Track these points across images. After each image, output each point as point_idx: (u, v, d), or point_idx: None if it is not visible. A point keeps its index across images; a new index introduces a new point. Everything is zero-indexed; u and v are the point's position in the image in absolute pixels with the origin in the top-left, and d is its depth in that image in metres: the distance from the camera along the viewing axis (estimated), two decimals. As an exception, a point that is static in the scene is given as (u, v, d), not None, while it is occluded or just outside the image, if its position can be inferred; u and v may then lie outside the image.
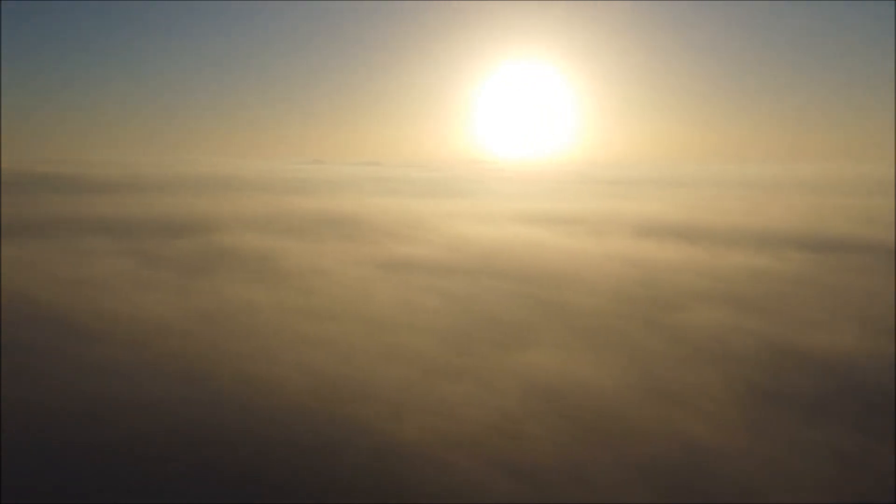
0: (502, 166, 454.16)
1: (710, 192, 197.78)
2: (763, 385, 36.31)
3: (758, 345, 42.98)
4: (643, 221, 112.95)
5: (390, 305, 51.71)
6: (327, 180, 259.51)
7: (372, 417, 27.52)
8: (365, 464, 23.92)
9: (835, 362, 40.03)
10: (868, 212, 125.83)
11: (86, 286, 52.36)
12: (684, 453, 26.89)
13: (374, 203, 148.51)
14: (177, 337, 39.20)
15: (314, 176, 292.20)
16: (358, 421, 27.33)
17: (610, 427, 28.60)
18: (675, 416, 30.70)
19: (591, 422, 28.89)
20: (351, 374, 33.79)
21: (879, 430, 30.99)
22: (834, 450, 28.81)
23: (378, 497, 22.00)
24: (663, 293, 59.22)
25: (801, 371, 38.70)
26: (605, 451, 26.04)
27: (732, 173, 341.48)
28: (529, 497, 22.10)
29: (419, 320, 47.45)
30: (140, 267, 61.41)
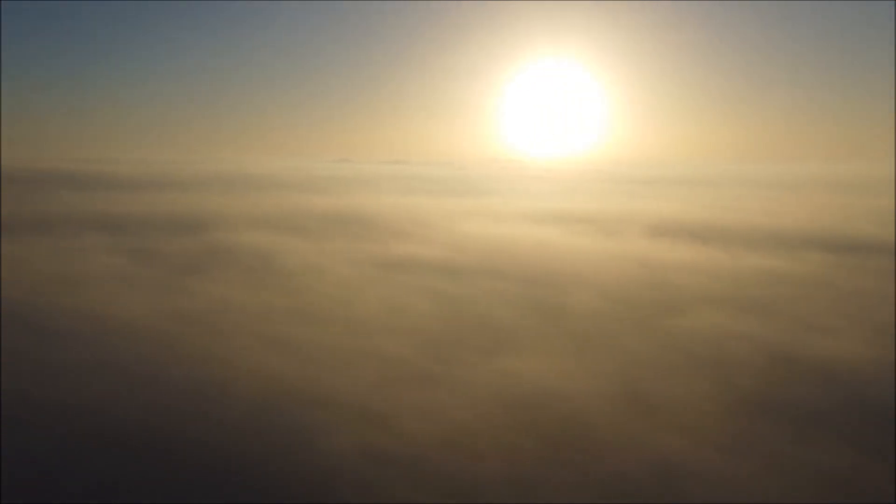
0: (528, 165, 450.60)
1: (734, 192, 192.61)
2: (756, 395, 33.87)
3: (757, 351, 40.41)
4: (660, 221, 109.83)
5: (377, 307, 50.09)
6: (349, 179, 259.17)
7: (310, 427, 25.82)
8: (283, 478, 22.29)
9: (838, 371, 37.36)
10: (892, 212, 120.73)
11: (68, 283, 51.75)
12: (654, 471, 24.75)
13: (389, 202, 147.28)
14: (143, 337, 38.05)
15: (338, 174, 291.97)
16: (296, 430, 25.67)
17: (576, 441, 26.50)
18: (652, 429, 28.51)
19: (556, 435, 26.83)
20: (310, 379, 32.19)
21: (879, 446, 28.49)
22: (824, 468, 26.48)
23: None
24: (668, 296, 56.79)
25: (800, 380, 36.12)
26: (565, 468, 23.99)
27: (759, 172, 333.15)
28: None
29: (404, 323, 45.78)
30: (131, 264, 60.79)
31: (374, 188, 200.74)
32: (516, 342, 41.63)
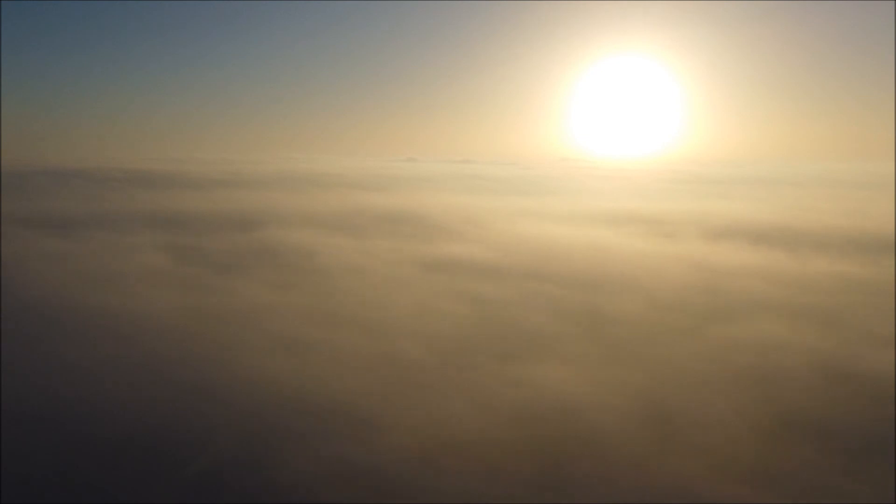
0: (597, 165, 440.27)
1: (815, 192, 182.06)
2: (802, 417, 30.56)
3: (810, 365, 36.77)
4: (726, 223, 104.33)
5: (409, 309, 48.63)
6: (413, 177, 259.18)
7: (298, 436, 24.44)
8: (250, 486, 20.99)
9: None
10: None
11: (103, 280, 52.47)
12: (665, 501, 22.19)
13: (446, 201, 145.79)
14: (157, 336, 37.82)
15: (402, 173, 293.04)
16: (282, 438, 24.35)
17: (580, 462, 24.14)
18: (672, 451, 25.84)
19: (558, 454, 24.55)
20: (317, 385, 30.96)
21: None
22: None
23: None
24: (720, 302, 53.14)
25: (857, 401, 32.48)
26: (558, 492, 21.74)
27: (847, 171, 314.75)
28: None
29: (432, 326, 44.15)
30: (172, 262, 61.48)
31: (436, 187, 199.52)
32: (543, 349, 39.36)
